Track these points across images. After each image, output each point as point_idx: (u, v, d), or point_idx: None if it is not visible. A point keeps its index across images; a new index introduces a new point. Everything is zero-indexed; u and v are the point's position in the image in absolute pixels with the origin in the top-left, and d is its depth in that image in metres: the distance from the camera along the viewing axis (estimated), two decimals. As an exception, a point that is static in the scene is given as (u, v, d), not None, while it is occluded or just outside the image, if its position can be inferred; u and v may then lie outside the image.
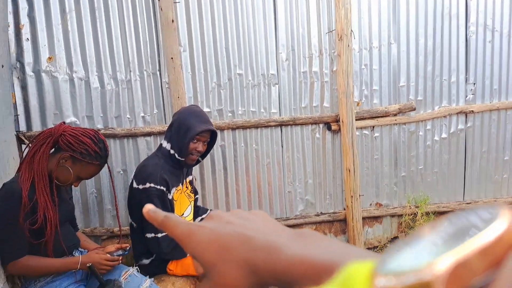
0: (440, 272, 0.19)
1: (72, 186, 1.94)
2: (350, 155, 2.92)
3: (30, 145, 1.89)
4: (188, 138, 2.08)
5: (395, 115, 3.05)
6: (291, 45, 2.85)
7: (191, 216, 2.37)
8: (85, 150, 1.81)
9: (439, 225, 0.23)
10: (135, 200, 2.09)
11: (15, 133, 2.35)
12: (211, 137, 2.22)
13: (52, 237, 1.82)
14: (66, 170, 1.82)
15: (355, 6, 2.88)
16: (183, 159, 2.13)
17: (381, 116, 3.03)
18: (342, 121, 2.89)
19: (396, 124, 3.08)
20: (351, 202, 2.98)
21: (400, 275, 0.20)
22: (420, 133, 3.17)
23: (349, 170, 2.94)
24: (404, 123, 3.10)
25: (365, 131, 3.05)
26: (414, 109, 3.07)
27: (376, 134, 3.07)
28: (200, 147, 2.14)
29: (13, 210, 1.71)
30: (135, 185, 2.09)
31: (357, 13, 2.90)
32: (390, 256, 0.23)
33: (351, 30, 2.82)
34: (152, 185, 2.03)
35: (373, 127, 3.05)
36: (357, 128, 2.95)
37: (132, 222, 2.20)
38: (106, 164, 1.94)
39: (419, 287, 0.20)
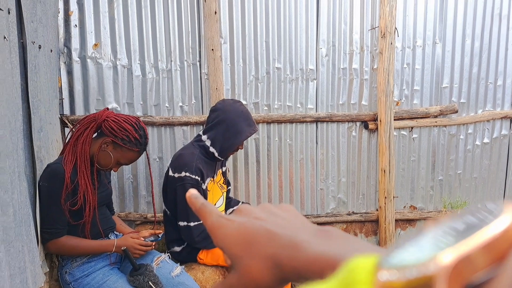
0: (443, 266, 0.19)
1: (111, 171, 2.00)
2: (386, 155, 2.86)
3: (73, 129, 1.96)
4: (237, 142, 2.12)
5: (435, 116, 2.97)
6: (332, 41, 2.81)
7: (223, 206, 2.40)
8: (126, 136, 1.86)
9: (443, 220, 0.23)
10: (170, 187, 2.13)
11: (59, 116, 2.43)
12: None
13: (90, 219, 1.88)
14: (107, 154, 1.88)
15: (400, 3, 2.81)
16: (222, 158, 2.17)
17: (421, 117, 2.95)
18: (380, 120, 2.83)
19: (436, 126, 3.00)
20: (385, 203, 2.93)
21: (402, 269, 0.21)
22: (461, 137, 3.07)
23: (384, 171, 2.89)
24: (445, 126, 3.01)
25: (403, 132, 2.98)
26: (456, 112, 2.98)
27: (415, 135, 3.00)
28: (241, 145, 2.20)
29: (56, 190, 1.78)
30: (171, 173, 2.13)
31: (402, 11, 2.83)
32: (393, 251, 0.23)
33: (395, 28, 2.75)
34: (187, 174, 2.07)
35: (412, 128, 2.98)
36: (395, 128, 2.89)
37: (166, 209, 2.24)
38: (145, 151, 1.99)
39: (422, 281, 0.20)
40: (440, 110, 2.94)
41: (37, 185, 1.84)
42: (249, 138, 2.73)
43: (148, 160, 2.12)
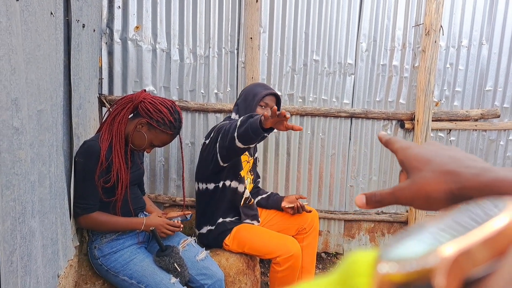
0: (442, 259, 0.20)
1: (145, 152, 2.03)
2: (421, 156, 2.78)
3: (111, 109, 2.00)
4: (255, 102, 2.17)
5: (476, 120, 2.86)
6: (373, 36, 2.74)
7: (249, 187, 2.40)
8: (161, 119, 1.88)
9: (444, 215, 0.23)
10: (208, 152, 2.15)
11: (98, 95, 2.49)
12: (277, 105, 2.27)
13: (121, 197, 1.92)
14: (141, 135, 1.91)
15: (448, 1, 2.70)
16: None
17: (461, 120, 2.85)
18: (417, 120, 2.75)
19: (476, 130, 2.89)
20: (416, 206, 2.86)
21: (403, 262, 0.21)
22: (501, 143, 2.95)
23: (417, 172, 2.81)
24: (485, 130, 2.90)
25: (440, 133, 2.89)
26: (498, 116, 2.86)
27: (452, 138, 2.90)
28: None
29: (91, 166, 1.83)
30: (206, 141, 2.18)
31: (449, 8, 2.73)
32: (394, 244, 0.23)
33: (441, 26, 2.65)
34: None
35: (450, 130, 2.88)
36: (432, 129, 2.80)
37: (198, 184, 2.25)
38: (178, 135, 2.01)
39: (421, 274, 0.20)
40: (481, 114, 2.83)
41: (73, 161, 1.89)
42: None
43: (181, 144, 2.15)
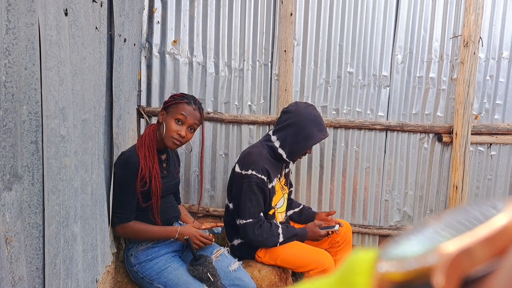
0: (442, 258, 0.19)
1: (180, 137, 1.98)
2: (460, 171, 2.70)
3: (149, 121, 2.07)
4: (307, 146, 2.14)
5: (518, 134, 2.75)
6: (409, 48, 2.71)
7: (284, 207, 2.39)
8: (173, 98, 2.00)
9: (445, 215, 0.23)
10: (236, 183, 2.17)
11: (136, 107, 2.57)
12: None
13: (157, 200, 1.96)
14: (162, 126, 1.97)
15: (487, 12, 2.64)
16: (290, 161, 2.19)
17: (502, 134, 2.75)
18: (456, 134, 2.68)
19: (519, 144, 2.78)
20: (454, 222, 2.76)
21: (402, 261, 0.21)
22: (546, 158, 2.82)
23: (456, 187, 2.73)
24: (528, 145, 2.79)
25: (480, 148, 2.80)
26: (543, 131, 2.74)
27: (493, 153, 2.80)
28: (310, 150, 2.22)
29: (128, 177, 1.89)
30: (237, 169, 2.16)
31: (489, 20, 2.66)
32: (394, 244, 0.23)
33: (480, 37, 2.59)
34: (254, 172, 2.09)
35: (491, 144, 2.78)
36: (471, 143, 2.72)
37: (229, 204, 2.28)
38: (201, 125, 2.04)
39: (421, 273, 0.20)
40: (524, 128, 2.73)
41: (112, 170, 1.96)
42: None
43: (203, 136, 2.18)
